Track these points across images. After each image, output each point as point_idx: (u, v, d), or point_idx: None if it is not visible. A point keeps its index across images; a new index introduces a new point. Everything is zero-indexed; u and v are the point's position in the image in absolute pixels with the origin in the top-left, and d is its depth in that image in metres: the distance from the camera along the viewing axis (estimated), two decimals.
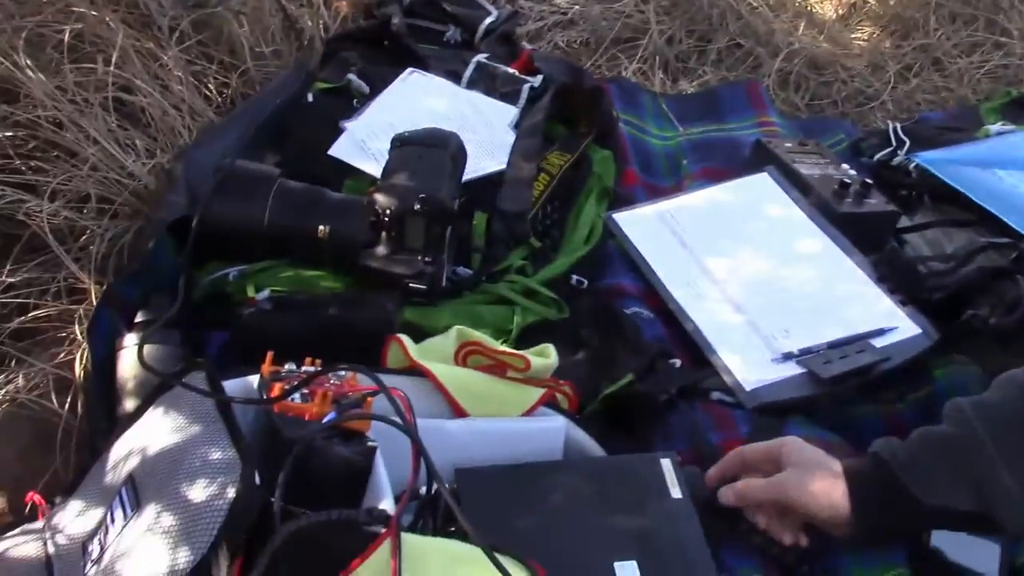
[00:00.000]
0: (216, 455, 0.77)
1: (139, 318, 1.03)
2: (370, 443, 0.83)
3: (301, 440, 0.76)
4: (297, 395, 0.82)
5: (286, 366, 0.88)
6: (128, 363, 0.99)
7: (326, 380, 0.87)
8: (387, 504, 0.81)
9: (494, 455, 0.95)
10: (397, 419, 0.79)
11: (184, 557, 0.71)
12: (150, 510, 0.77)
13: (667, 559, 0.86)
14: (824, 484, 0.88)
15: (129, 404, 0.96)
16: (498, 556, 0.74)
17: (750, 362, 1.09)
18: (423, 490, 0.83)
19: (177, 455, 0.80)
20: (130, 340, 1.00)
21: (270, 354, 0.88)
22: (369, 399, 0.84)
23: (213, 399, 0.82)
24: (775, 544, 0.93)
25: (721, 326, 1.14)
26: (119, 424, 0.92)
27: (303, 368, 0.88)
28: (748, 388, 1.06)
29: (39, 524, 0.90)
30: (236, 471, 0.75)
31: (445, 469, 0.92)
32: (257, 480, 0.75)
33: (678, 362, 1.11)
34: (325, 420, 0.81)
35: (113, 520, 0.81)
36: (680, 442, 1.02)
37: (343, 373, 0.89)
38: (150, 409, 0.89)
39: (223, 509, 0.72)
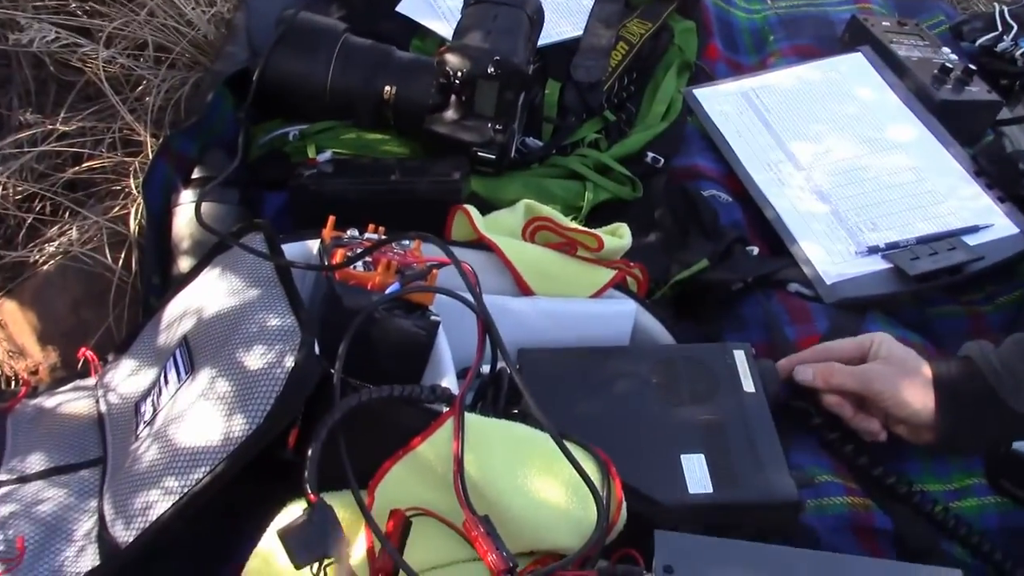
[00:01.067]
0: (274, 321, 0.74)
1: (196, 174, 0.98)
2: (433, 317, 0.79)
3: (363, 310, 0.72)
4: (360, 263, 0.78)
5: (348, 232, 0.84)
6: (184, 220, 0.95)
7: (390, 249, 0.83)
8: (449, 382, 0.77)
9: (559, 337, 0.91)
10: (465, 294, 0.75)
11: (239, 425, 0.69)
12: (205, 374, 0.74)
13: (736, 453, 0.81)
14: (913, 383, 0.84)
15: (184, 263, 0.93)
16: (564, 441, 0.71)
17: (832, 254, 1.03)
18: (486, 368, 0.79)
19: (233, 319, 0.77)
20: (187, 197, 0.96)
21: (331, 218, 0.84)
22: (434, 271, 0.80)
23: (272, 262, 0.79)
24: (848, 442, 0.89)
25: (803, 215, 1.07)
26: (174, 283, 0.89)
27: (366, 235, 0.84)
28: (828, 281, 1.01)
29: (91, 381, 0.89)
30: (295, 339, 0.71)
31: (509, 348, 0.89)
32: (316, 350, 0.71)
33: (755, 250, 1.05)
34: (388, 291, 0.77)
35: (167, 382, 0.78)
36: (753, 333, 0.98)
37: (408, 242, 0.85)
38: (206, 269, 0.85)
39: (281, 378, 0.69)
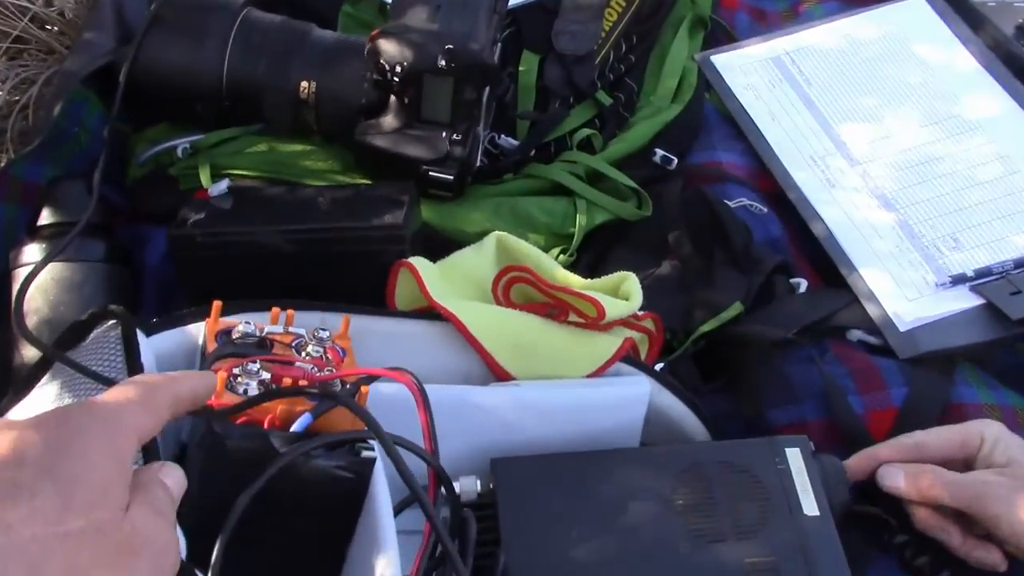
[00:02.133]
0: None
1: (44, 218, 0.72)
2: (366, 453, 0.55)
3: (259, 464, 0.48)
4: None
5: (240, 324, 0.58)
6: (32, 284, 0.69)
7: (304, 345, 0.58)
8: (387, 549, 0.53)
9: (547, 436, 0.66)
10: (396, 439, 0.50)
11: None
12: None
13: None
14: None
15: (29, 352, 0.67)
16: None
17: (905, 286, 0.78)
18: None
19: None
20: (31, 254, 0.70)
21: (217, 305, 0.59)
22: (364, 389, 0.55)
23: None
24: (944, 569, 0.66)
25: (863, 228, 0.82)
26: (11, 391, 0.64)
27: (267, 330, 0.59)
28: (903, 328, 0.76)
29: None
30: None
31: (478, 455, 0.65)
32: (181, 546, 0.47)
33: (803, 283, 0.79)
34: (295, 426, 0.52)
35: None
36: (807, 406, 0.73)
37: (325, 335, 0.59)
38: (44, 380, 0.60)
39: None
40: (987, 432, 0.64)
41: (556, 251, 0.78)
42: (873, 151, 0.87)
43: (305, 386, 0.53)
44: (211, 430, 0.52)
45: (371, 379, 0.56)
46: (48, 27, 0.81)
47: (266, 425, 0.53)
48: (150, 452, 0.50)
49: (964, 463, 0.65)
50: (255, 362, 0.54)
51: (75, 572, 0.35)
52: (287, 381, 0.54)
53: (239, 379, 0.54)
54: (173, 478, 0.44)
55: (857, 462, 0.67)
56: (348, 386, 0.55)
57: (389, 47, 0.71)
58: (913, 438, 0.67)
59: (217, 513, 0.47)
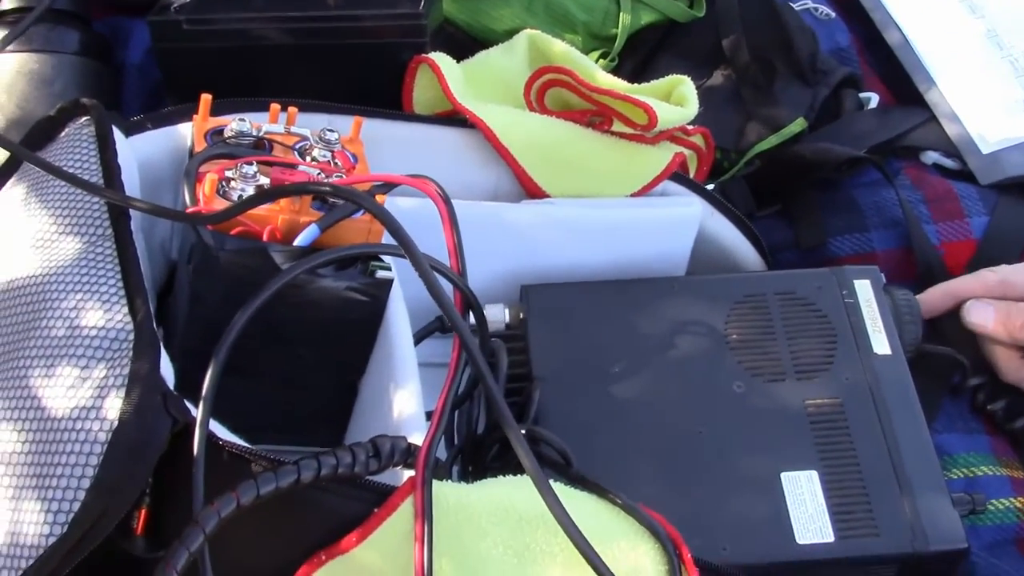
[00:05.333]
0: (95, 317, 0.42)
1: (6, 3, 0.62)
2: (381, 272, 0.47)
3: (254, 285, 0.40)
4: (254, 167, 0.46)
5: (233, 122, 0.50)
6: None
7: (309, 150, 0.50)
8: (405, 372, 0.46)
9: (587, 262, 0.59)
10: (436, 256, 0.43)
11: (33, 527, 0.38)
12: None
13: (868, 467, 0.52)
14: None
15: None
16: (598, 506, 0.42)
17: (991, 102, 0.69)
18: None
19: (31, 300, 0.44)
20: None
21: (206, 99, 0.50)
22: (380, 198, 0.47)
23: (102, 197, 0.45)
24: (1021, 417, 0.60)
25: (944, 37, 0.72)
26: None
27: (264, 129, 0.50)
28: (986, 149, 0.67)
29: None
30: (125, 358, 0.40)
31: (507, 279, 0.58)
32: (170, 373, 0.40)
33: (874, 97, 0.70)
34: (299, 239, 0.45)
35: None
36: (876, 235, 0.66)
37: (333, 136, 0.51)
38: (12, 180, 0.52)
39: (100, 442, 0.38)
40: None
41: (595, 54, 0.69)
42: None
43: (314, 183, 0.45)
44: (201, 241, 0.44)
45: (388, 187, 0.48)
46: None
47: (265, 237, 0.45)
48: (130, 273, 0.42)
49: None
50: (251, 164, 0.46)
51: None
52: (287, 179, 0.46)
53: (233, 184, 0.46)
54: None
55: (932, 297, 0.60)
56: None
57: None
58: (998, 273, 0.59)
59: (210, 338, 0.40)
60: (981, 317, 0.58)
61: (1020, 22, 0.72)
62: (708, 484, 0.51)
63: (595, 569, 0.39)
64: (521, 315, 0.57)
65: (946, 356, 0.61)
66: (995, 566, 0.56)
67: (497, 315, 0.57)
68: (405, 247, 0.40)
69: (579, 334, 0.56)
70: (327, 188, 0.42)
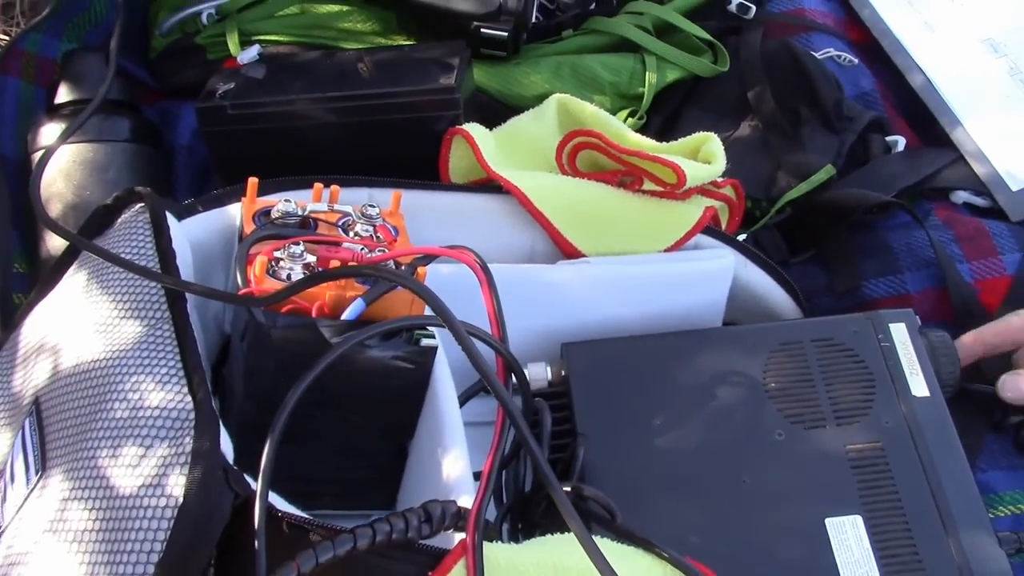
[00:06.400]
0: (156, 396, 0.44)
1: (62, 95, 0.66)
2: (426, 341, 0.49)
3: (304, 359, 0.42)
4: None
5: (279, 203, 0.52)
6: (52, 171, 0.63)
7: (352, 226, 0.52)
8: (453, 433, 0.48)
9: (623, 316, 0.61)
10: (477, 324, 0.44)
11: None
12: (57, 487, 0.45)
13: (912, 507, 0.53)
14: None
15: (55, 239, 0.62)
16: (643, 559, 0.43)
17: (1018, 140, 0.70)
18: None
19: (97, 382, 0.47)
20: (49, 134, 0.64)
21: (253, 183, 0.53)
22: (422, 269, 0.49)
23: (159, 282, 0.48)
24: None
25: (968, 77, 0.74)
26: (40, 279, 0.59)
27: (309, 208, 0.52)
28: (1015, 187, 0.68)
29: None
30: (186, 437, 0.42)
31: (547, 339, 0.60)
32: (229, 449, 0.42)
33: (901, 141, 0.72)
34: (347, 314, 0.47)
35: (13, 478, 0.50)
36: (909, 277, 0.66)
37: (374, 211, 0.53)
38: (73, 268, 0.55)
39: (167, 517, 0.40)
40: None
41: (624, 114, 0.71)
42: None
43: (357, 266, 0.47)
44: (254, 320, 0.46)
45: (429, 259, 0.50)
46: None
47: (314, 313, 0.47)
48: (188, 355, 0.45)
49: None
50: (298, 243, 0.49)
51: None
52: (335, 263, 0.48)
53: (281, 263, 0.48)
54: None
55: (962, 347, 0.60)
56: (404, 268, 0.49)
57: None
58: (1022, 316, 0.60)
59: (265, 410, 0.42)
60: (1016, 391, 0.58)
61: None
62: (754, 533, 0.52)
63: None
64: (563, 372, 0.58)
65: (987, 394, 0.61)
66: None
67: (539, 374, 0.58)
68: (445, 319, 0.42)
69: (620, 388, 0.57)
70: (368, 271, 0.44)
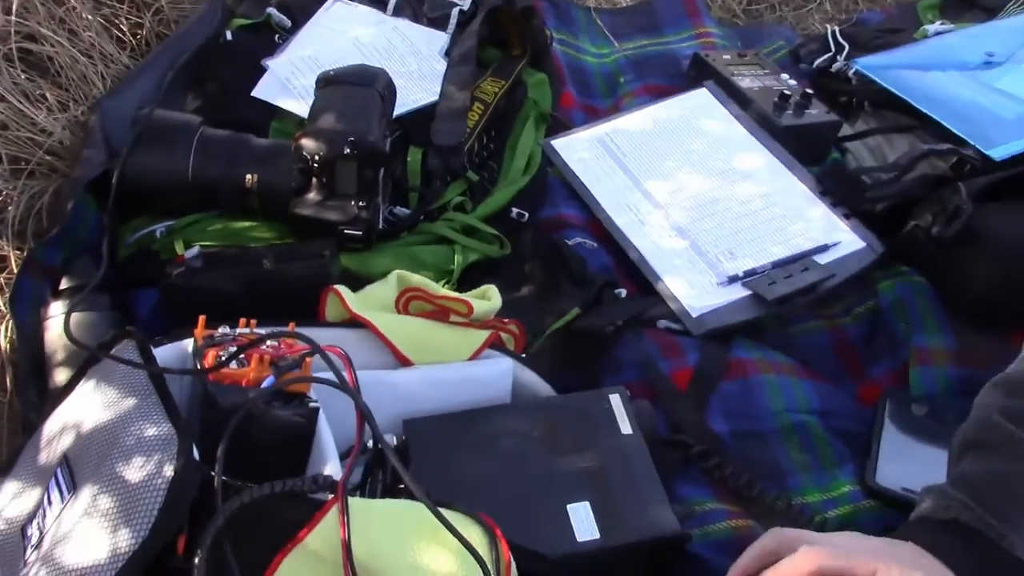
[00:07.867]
0: (151, 431, 0.75)
1: (64, 284, 0.99)
2: (312, 404, 0.81)
3: (239, 408, 0.74)
4: (234, 361, 0.80)
5: (220, 329, 0.85)
6: (56, 333, 0.95)
7: (263, 343, 0.84)
8: (333, 468, 0.79)
9: (442, 403, 0.93)
10: (336, 379, 0.77)
11: (125, 541, 0.69)
12: (87, 492, 0.74)
13: (620, 496, 0.85)
14: None
15: (60, 376, 0.93)
16: (448, 512, 0.74)
17: (696, 287, 1.08)
18: (370, 443, 0.81)
19: (111, 432, 0.77)
20: (56, 309, 0.96)
21: (202, 318, 0.85)
22: (308, 360, 0.82)
23: (145, 371, 0.80)
24: (727, 466, 0.94)
25: (665, 252, 1.12)
26: (50, 399, 0.89)
27: (238, 331, 0.85)
28: (694, 314, 1.06)
29: None
30: (173, 447, 0.73)
31: (393, 420, 0.92)
32: (196, 455, 0.73)
33: (624, 292, 1.09)
34: (264, 385, 0.79)
35: (50, 503, 0.78)
36: (629, 373, 1.02)
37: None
38: (82, 382, 0.86)
39: (162, 488, 0.70)
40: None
41: (441, 283, 1.06)
42: (671, 198, 1.18)
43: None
44: (205, 389, 0.78)
45: (314, 352, 0.83)
46: (52, 154, 1.09)
47: (244, 384, 0.79)
48: (171, 409, 0.76)
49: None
50: (234, 346, 0.81)
51: None
52: (256, 356, 0.81)
53: (221, 354, 0.80)
54: None
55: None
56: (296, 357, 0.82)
57: (309, 143, 1.00)
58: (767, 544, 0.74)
59: (214, 446, 0.72)
60: None
61: (712, 237, 1.13)
62: (523, 510, 0.83)
63: (448, 528, 0.70)
64: (403, 437, 0.90)
65: (680, 441, 0.96)
66: (722, 566, 0.88)
67: (389, 440, 0.90)
68: (338, 378, 0.75)
69: (444, 442, 0.89)
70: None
